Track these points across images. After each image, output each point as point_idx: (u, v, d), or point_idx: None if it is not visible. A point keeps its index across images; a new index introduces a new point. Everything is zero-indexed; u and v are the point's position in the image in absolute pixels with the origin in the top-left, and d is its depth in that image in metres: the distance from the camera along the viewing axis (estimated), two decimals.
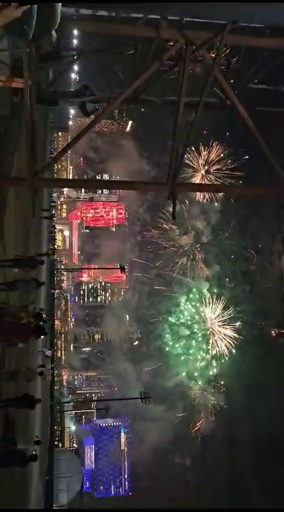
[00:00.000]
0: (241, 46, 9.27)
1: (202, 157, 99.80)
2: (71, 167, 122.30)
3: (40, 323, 15.26)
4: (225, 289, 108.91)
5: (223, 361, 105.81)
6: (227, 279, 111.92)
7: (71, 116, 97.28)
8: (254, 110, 10.91)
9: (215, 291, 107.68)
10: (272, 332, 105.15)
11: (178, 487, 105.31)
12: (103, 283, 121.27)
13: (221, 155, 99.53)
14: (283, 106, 11.87)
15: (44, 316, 19.45)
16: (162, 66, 9.54)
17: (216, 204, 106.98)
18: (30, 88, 8.07)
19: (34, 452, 12.31)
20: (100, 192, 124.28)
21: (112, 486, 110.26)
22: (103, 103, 11.25)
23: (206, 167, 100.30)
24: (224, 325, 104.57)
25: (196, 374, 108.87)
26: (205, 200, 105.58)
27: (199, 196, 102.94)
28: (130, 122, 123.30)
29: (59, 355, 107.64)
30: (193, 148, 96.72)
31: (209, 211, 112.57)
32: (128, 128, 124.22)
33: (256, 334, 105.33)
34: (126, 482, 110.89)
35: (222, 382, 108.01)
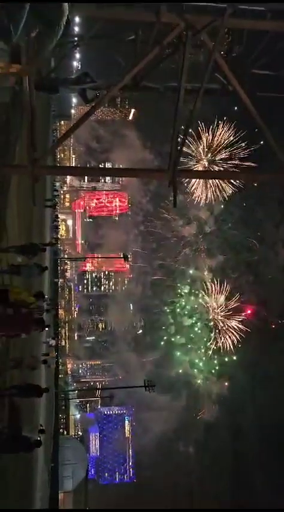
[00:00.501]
0: (242, 29, 9.16)
1: (204, 144, 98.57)
2: (74, 156, 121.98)
3: (42, 303, 15.50)
4: (229, 280, 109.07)
5: (227, 354, 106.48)
6: (230, 270, 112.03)
7: (73, 105, 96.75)
8: (256, 95, 10.81)
9: (218, 281, 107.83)
10: (272, 324, 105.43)
11: (181, 475, 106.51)
12: (106, 273, 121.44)
13: (226, 141, 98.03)
14: None
15: (46, 297, 19.54)
16: (164, 52, 9.45)
17: (219, 195, 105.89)
18: (29, 74, 8.01)
19: (38, 438, 12.50)
20: (103, 181, 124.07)
21: (117, 473, 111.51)
22: (104, 90, 11.17)
23: (209, 155, 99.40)
24: (227, 315, 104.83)
25: (199, 364, 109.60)
26: (206, 201, 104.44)
27: (201, 194, 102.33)
28: (132, 110, 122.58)
29: (63, 344, 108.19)
30: (196, 138, 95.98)
31: (212, 202, 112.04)
32: (130, 117, 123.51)
33: (259, 324, 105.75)
34: (131, 470, 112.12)
35: (225, 371, 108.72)
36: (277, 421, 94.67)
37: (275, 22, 7.88)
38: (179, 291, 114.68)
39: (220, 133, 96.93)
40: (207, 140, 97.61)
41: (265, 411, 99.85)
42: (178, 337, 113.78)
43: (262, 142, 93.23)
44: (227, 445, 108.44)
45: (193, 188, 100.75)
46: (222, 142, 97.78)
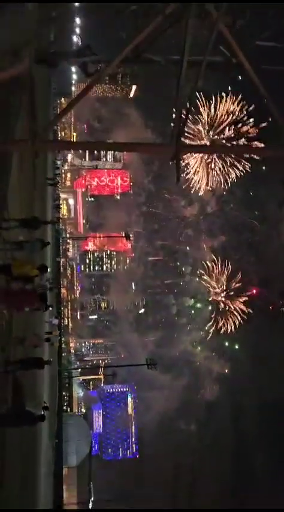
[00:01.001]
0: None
1: (205, 120, 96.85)
2: (75, 134, 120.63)
3: (45, 281, 15.71)
4: (230, 260, 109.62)
5: (228, 336, 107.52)
6: (232, 251, 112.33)
7: (73, 81, 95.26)
8: (261, 68, 10.57)
9: (219, 262, 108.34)
10: (271, 306, 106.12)
11: (183, 453, 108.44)
12: (108, 252, 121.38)
13: (230, 117, 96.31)
14: None
15: (49, 270, 19.70)
16: (166, 22, 9.22)
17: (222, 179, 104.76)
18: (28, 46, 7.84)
19: (42, 413, 12.71)
20: (104, 159, 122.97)
21: (120, 449, 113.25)
22: (105, 63, 10.95)
23: (211, 133, 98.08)
24: (228, 296, 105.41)
25: (200, 344, 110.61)
26: (207, 187, 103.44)
27: (201, 181, 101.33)
28: (134, 87, 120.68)
29: (65, 323, 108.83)
30: (198, 116, 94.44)
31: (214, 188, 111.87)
32: (132, 93, 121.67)
33: (261, 305, 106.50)
34: (134, 446, 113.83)
35: (226, 351, 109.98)
36: (278, 400, 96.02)
37: None
38: (178, 271, 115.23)
39: (223, 109, 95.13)
40: (208, 117, 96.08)
41: (265, 390, 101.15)
42: (179, 317, 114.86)
43: (269, 119, 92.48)
44: (228, 424, 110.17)
45: (193, 172, 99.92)
46: (225, 118, 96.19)
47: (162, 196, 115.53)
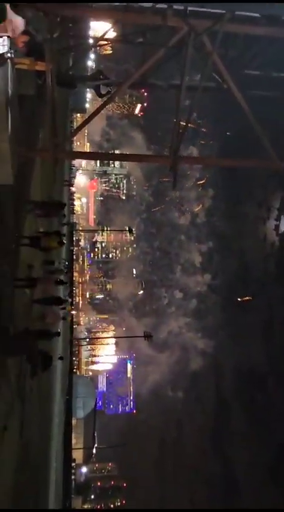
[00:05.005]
0: (239, 34, 8.75)
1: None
2: (88, 144, 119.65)
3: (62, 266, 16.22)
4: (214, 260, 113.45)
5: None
6: (215, 253, 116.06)
7: (87, 99, 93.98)
8: (247, 93, 10.38)
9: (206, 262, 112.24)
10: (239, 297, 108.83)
11: (172, 411, 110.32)
12: (114, 243, 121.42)
13: None
14: (275, 90, 11.32)
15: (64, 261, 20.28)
16: (168, 53, 9.04)
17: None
18: (51, 70, 7.70)
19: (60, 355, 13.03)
20: (113, 166, 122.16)
21: (120, 405, 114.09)
22: (115, 86, 10.80)
23: None
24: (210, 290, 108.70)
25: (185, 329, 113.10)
26: None
27: None
28: (138, 105, 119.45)
29: (77, 300, 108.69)
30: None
31: (204, 197, 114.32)
32: (137, 111, 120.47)
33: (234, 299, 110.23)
34: (131, 402, 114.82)
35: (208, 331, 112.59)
36: (248, 367, 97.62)
37: (268, 28, 7.46)
38: (174, 269, 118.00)
39: None
40: None
41: (240, 361, 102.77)
42: (170, 306, 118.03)
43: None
44: (211, 388, 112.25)
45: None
46: None
47: (160, 206, 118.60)
